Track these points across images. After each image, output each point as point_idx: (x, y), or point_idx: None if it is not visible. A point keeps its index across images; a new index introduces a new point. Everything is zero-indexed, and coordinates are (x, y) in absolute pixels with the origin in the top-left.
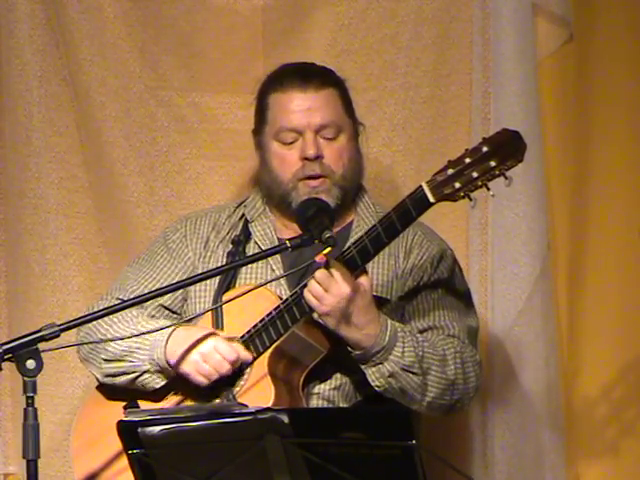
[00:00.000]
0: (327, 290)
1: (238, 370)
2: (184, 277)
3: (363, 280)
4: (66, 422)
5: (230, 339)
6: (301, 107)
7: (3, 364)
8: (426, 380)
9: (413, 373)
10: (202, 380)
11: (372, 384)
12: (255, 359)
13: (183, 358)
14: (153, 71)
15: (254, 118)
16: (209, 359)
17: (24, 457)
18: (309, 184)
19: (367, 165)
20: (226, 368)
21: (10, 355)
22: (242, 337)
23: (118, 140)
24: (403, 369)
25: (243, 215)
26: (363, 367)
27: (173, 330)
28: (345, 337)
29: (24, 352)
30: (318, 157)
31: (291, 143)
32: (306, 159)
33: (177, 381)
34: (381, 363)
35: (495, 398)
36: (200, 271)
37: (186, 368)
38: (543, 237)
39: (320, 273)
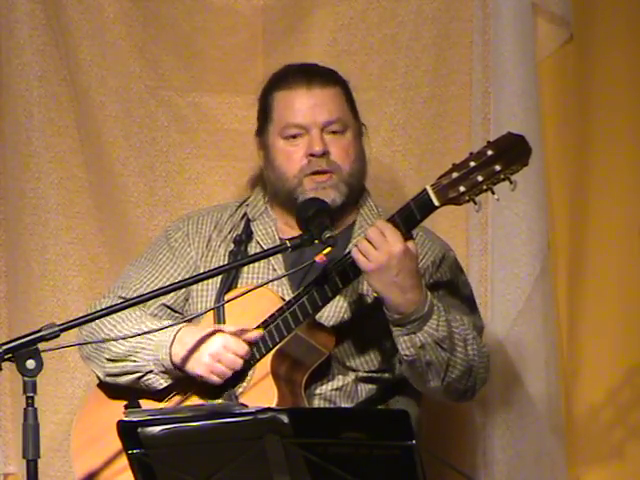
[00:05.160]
0: (378, 248)
1: (242, 370)
2: (186, 276)
3: (411, 245)
4: (66, 422)
5: (242, 331)
6: (307, 104)
7: (3, 364)
8: (452, 358)
9: (442, 348)
10: (217, 380)
11: (402, 352)
12: (258, 360)
13: (193, 360)
14: (153, 71)
15: (257, 119)
16: (222, 358)
17: (24, 457)
18: (315, 179)
19: (367, 165)
20: (240, 363)
21: (10, 355)
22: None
23: (118, 140)
24: (435, 342)
25: (245, 214)
26: (396, 334)
27: (178, 331)
28: (386, 299)
29: (24, 352)
30: (325, 153)
31: (297, 139)
32: (312, 155)
33: (179, 381)
34: (414, 333)
35: (495, 398)
36: (202, 270)
37: (198, 370)
38: (543, 237)
39: (372, 231)
